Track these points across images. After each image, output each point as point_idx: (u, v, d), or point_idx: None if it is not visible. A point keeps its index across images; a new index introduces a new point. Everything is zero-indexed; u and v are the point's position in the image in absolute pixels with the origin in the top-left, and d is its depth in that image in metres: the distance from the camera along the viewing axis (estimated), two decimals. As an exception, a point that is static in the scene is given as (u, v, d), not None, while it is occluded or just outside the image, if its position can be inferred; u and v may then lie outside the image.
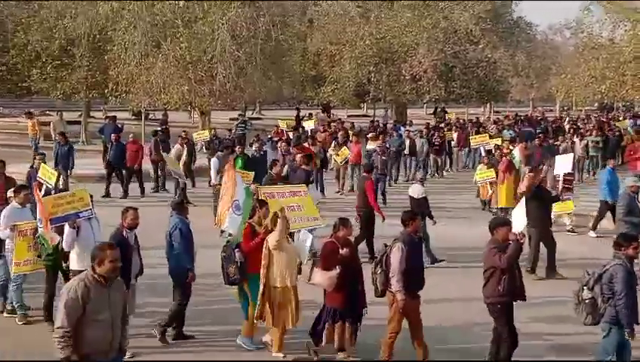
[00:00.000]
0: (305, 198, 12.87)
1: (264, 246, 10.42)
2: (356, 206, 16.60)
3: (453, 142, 32.46)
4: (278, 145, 25.60)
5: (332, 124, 36.84)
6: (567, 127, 40.41)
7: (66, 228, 10.89)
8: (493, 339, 10.02)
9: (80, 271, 10.61)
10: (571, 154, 21.72)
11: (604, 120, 45.48)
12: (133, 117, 44.90)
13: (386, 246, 10.39)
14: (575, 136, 31.19)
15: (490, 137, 29.69)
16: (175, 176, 22.05)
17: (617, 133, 34.22)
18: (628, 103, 62.54)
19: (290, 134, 31.49)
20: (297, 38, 40.60)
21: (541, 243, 15.13)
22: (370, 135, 29.15)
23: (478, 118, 46.07)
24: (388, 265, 10.11)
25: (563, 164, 19.14)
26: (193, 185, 24.63)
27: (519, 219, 10.52)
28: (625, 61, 31.71)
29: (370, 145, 26.58)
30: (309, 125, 32.84)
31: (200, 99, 33.20)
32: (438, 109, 53.19)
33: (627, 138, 33.56)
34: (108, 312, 7.16)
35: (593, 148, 30.95)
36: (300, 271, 10.74)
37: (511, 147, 24.74)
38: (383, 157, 24.22)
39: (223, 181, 12.21)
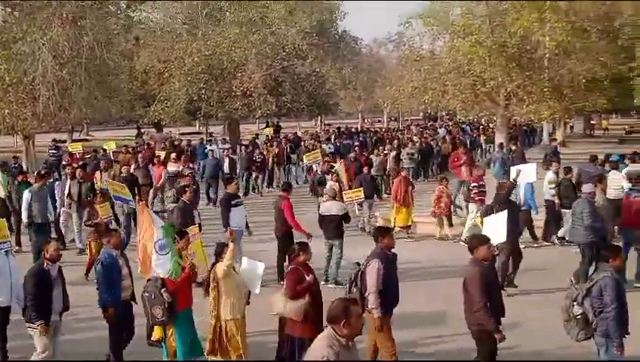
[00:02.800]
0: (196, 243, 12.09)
1: (210, 277, 10.05)
2: (275, 227, 15.81)
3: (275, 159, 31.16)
4: (67, 170, 21.22)
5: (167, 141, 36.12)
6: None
7: None
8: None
9: None
10: (534, 164, 20.17)
11: (422, 130, 47.00)
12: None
13: (358, 264, 10.13)
14: (388, 148, 31.23)
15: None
16: (119, 202, 18.65)
17: (434, 143, 34.95)
18: (450, 112, 65.50)
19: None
20: (123, 56, 39.60)
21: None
22: (172, 156, 26.67)
23: (295, 133, 46.50)
24: (363, 283, 9.83)
25: (526, 174, 18.05)
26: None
27: (498, 232, 10.33)
28: (445, 72, 32.82)
29: (171, 168, 24.36)
30: (110, 147, 30.73)
31: (22, 123, 31.69)
32: (270, 124, 53.60)
33: (444, 147, 34.77)
34: None
35: (408, 160, 30.49)
36: (248, 302, 10.34)
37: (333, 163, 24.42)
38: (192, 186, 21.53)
39: (138, 223, 11.16)
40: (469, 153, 26.08)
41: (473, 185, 19.43)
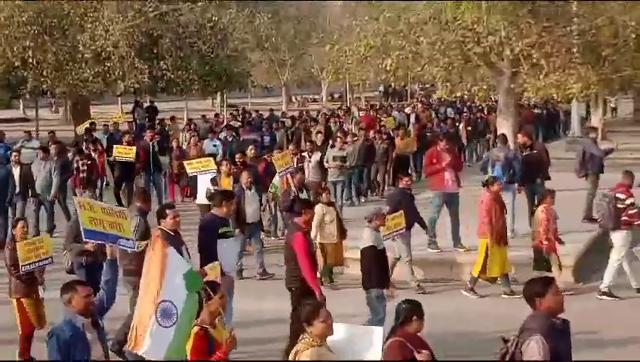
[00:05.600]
0: None
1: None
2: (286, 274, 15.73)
3: None
4: None
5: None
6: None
7: None
8: None
9: None
10: None
11: (370, 117, 47.07)
12: None
13: (505, 341, 9.57)
14: (308, 147, 30.78)
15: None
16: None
17: (386, 138, 34.62)
18: (427, 86, 65.16)
19: None
20: None
21: None
22: None
23: (162, 120, 47.90)
24: None
25: None
26: None
27: None
28: (418, 22, 32.16)
29: None
30: None
31: None
32: (139, 105, 55.02)
33: (405, 143, 34.97)
34: None
35: (335, 170, 29.24)
36: None
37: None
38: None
39: (145, 262, 10.08)
40: (453, 150, 25.79)
41: (629, 201, 19.07)
